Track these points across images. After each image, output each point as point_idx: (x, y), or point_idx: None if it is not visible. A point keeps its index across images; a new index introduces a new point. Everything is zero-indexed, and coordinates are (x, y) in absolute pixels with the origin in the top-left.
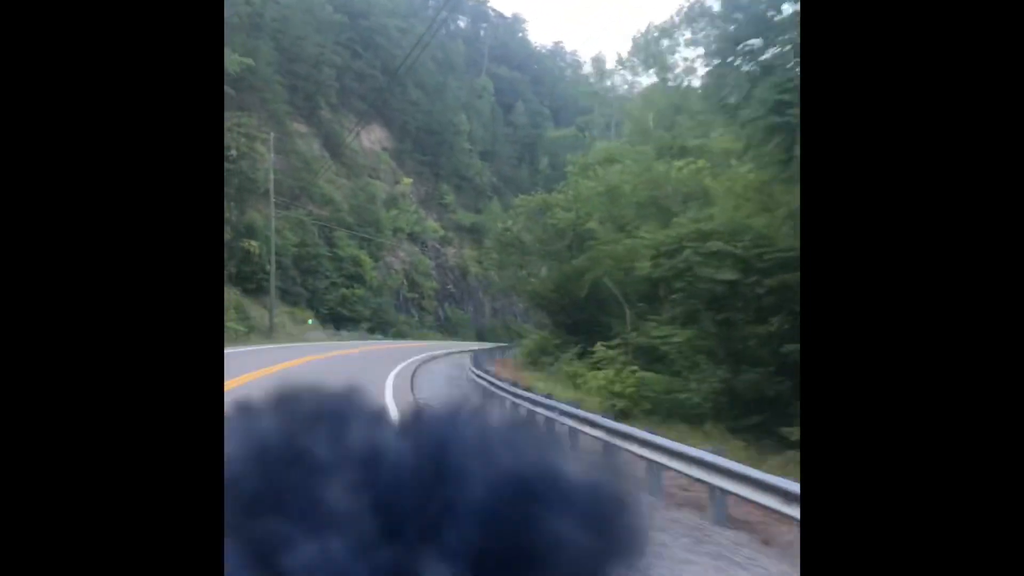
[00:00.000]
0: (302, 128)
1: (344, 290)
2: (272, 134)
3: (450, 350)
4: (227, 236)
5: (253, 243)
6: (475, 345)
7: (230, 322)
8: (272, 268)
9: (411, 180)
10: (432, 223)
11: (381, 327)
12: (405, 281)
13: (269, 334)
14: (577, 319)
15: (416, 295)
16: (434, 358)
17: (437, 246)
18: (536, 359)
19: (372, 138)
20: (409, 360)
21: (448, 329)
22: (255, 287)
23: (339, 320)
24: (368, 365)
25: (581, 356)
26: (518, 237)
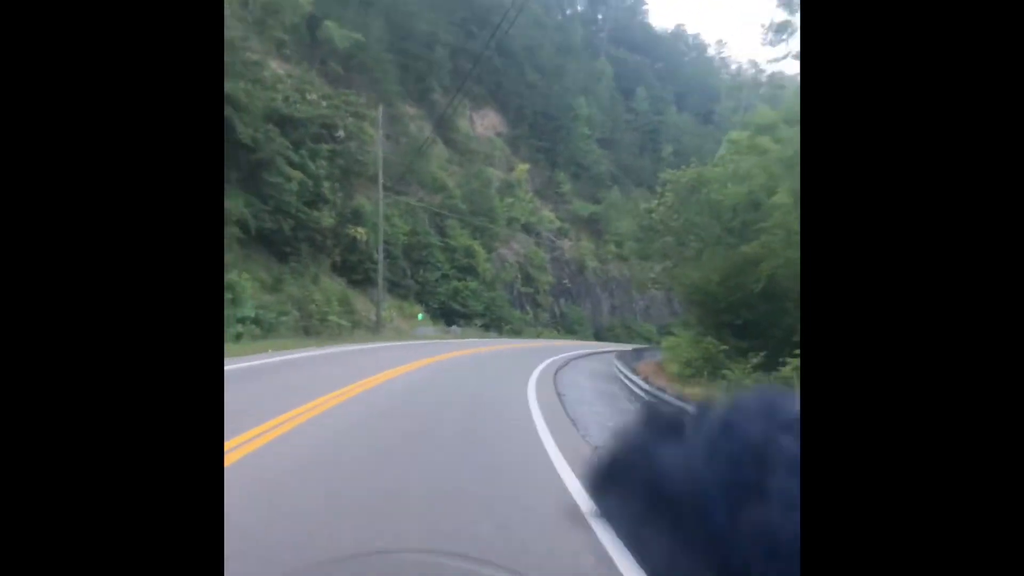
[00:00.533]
0: (412, 110)
1: (456, 283)
2: (381, 107)
3: (577, 351)
4: (332, 222)
5: (360, 230)
6: (596, 346)
7: (332, 315)
8: (380, 257)
9: (527, 166)
10: (547, 213)
11: (494, 323)
12: (519, 275)
13: (376, 329)
14: (747, 319)
15: (531, 290)
16: (568, 362)
17: (552, 238)
18: (699, 369)
19: (485, 123)
20: (542, 365)
21: (564, 327)
22: (361, 278)
23: (450, 315)
24: (503, 372)
25: (764, 368)
26: (663, 221)
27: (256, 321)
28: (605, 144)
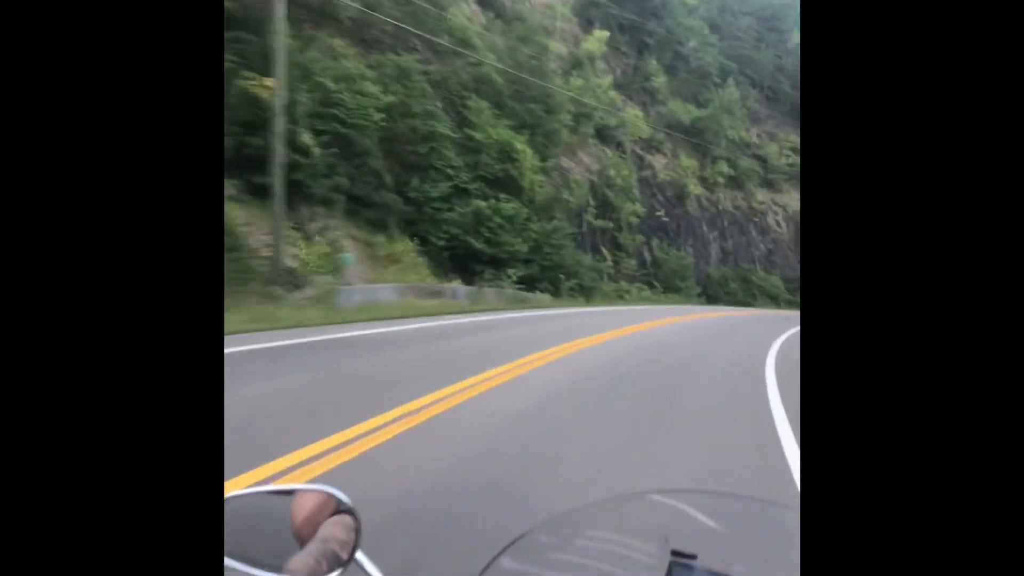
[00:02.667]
0: None
1: (480, 203)
2: None
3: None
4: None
5: (268, 83)
6: (730, 316)
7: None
8: (278, 137)
9: (606, 34)
10: (634, 111)
11: (547, 274)
12: (591, 200)
13: (270, 290)
14: None
15: (608, 223)
16: None
17: (640, 151)
18: None
19: None
20: None
21: (660, 281)
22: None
23: (465, 259)
24: None
25: None
26: None
27: None
28: (712, 29)
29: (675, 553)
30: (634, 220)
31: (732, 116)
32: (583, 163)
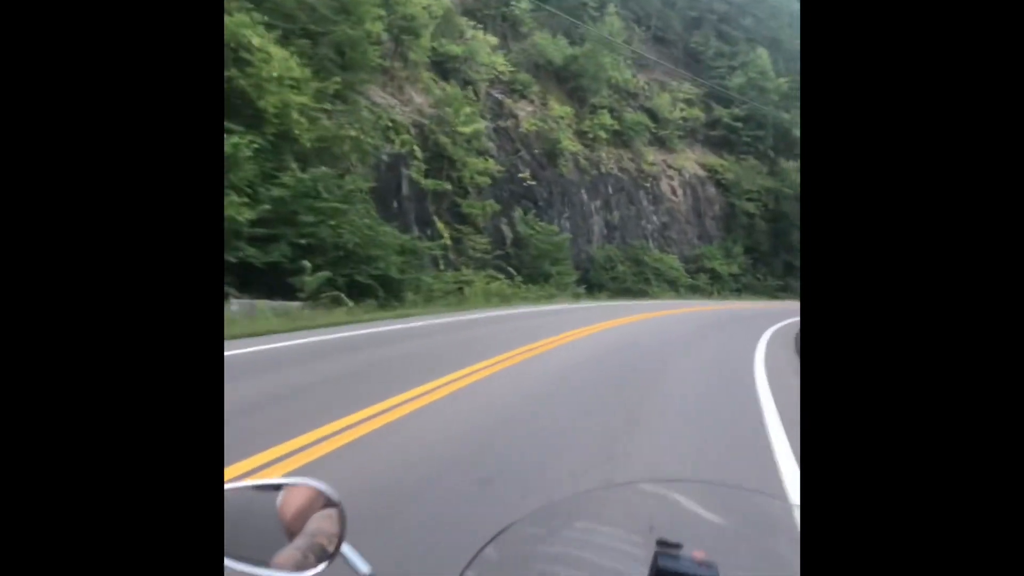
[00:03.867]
0: None
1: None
2: None
3: None
4: None
5: None
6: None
7: None
8: None
9: None
10: (487, 38)
11: (297, 264)
12: (418, 148)
13: None
14: None
15: (446, 185)
16: None
17: (498, 96)
18: None
19: None
20: None
21: (523, 265)
22: None
23: None
24: None
25: None
26: None
27: None
28: None
29: (660, 543)
30: (485, 182)
31: (614, 54)
32: (413, 102)
